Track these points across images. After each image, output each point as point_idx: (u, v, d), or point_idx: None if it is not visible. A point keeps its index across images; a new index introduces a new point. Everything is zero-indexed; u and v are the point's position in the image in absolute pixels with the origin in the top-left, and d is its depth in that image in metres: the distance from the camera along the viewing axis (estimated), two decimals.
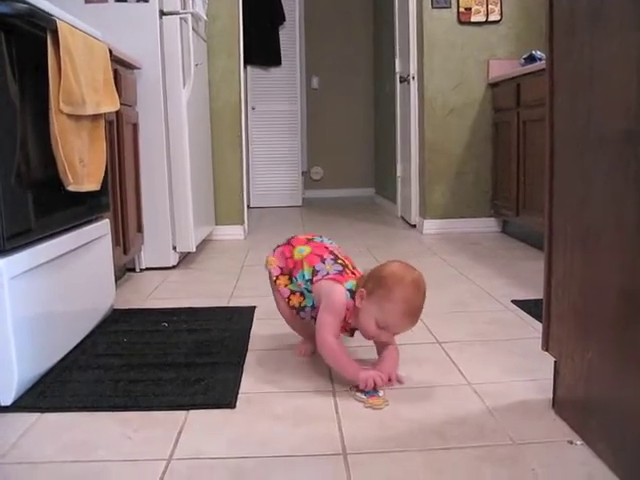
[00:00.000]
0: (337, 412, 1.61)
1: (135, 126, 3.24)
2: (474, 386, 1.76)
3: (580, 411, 1.45)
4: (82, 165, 2.07)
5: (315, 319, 1.84)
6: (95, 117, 2.21)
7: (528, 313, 2.41)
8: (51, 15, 1.92)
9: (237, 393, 1.73)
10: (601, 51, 1.30)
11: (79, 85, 2.00)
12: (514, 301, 2.59)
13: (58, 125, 1.90)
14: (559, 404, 1.57)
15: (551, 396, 1.60)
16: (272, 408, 1.65)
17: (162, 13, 3.36)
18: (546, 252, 1.57)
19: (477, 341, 2.14)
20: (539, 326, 1.69)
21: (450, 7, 4.51)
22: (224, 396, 1.69)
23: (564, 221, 1.49)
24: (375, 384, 1.68)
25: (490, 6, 4.51)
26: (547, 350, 1.60)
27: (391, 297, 1.66)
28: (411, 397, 1.71)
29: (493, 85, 4.52)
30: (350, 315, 1.76)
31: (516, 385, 1.76)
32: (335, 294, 1.75)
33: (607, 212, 1.28)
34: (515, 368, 1.88)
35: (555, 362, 1.58)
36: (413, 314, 1.68)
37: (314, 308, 1.85)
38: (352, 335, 1.87)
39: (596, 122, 1.33)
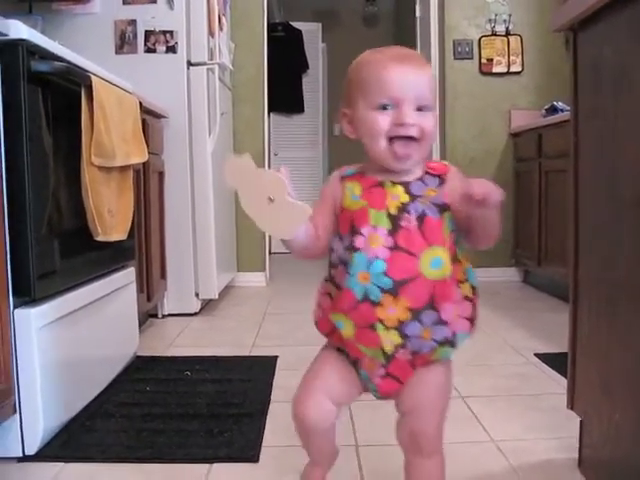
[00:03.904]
0: (360, 469, 1.60)
1: (161, 174, 3.30)
2: (498, 443, 1.74)
3: (606, 472, 1.43)
4: (110, 215, 2.11)
5: None
6: (124, 168, 2.25)
7: (551, 367, 2.39)
8: (86, 71, 1.97)
9: (260, 446, 1.72)
10: (625, 109, 1.31)
11: (110, 138, 2.05)
12: (537, 354, 2.58)
13: (89, 176, 1.94)
14: (585, 464, 1.55)
15: (577, 455, 1.58)
16: (296, 463, 1.63)
17: (190, 64, 3.44)
18: (571, 310, 1.57)
19: (500, 396, 2.12)
20: (562, 381, 1.68)
21: (472, 58, 4.59)
22: (248, 449, 1.69)
23: (589, 279, 1.49)
24: None
25: (512, 57, 4.58)
26: (572, 409, 1.58)
27: (359, 70, 1.21)
28: None
29: (514, 135, 4.55)
30: (366, 167, 1.21)
31: (540, 443, 1.74)
32: None
33: (633, 273, 1.28)
34: (539, 425, 1.86)
35: (581, 421, 1.56)
36: (399, 55, 1.17)
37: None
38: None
39: (621, 182, 1.33)
